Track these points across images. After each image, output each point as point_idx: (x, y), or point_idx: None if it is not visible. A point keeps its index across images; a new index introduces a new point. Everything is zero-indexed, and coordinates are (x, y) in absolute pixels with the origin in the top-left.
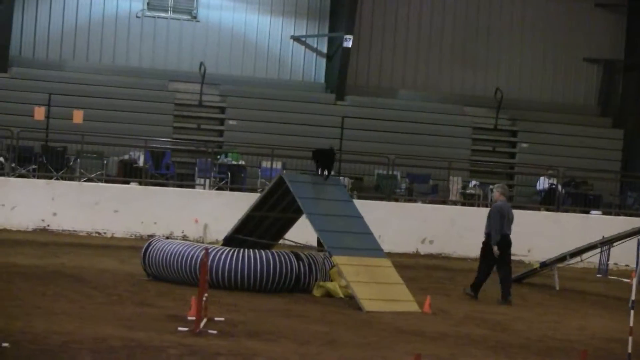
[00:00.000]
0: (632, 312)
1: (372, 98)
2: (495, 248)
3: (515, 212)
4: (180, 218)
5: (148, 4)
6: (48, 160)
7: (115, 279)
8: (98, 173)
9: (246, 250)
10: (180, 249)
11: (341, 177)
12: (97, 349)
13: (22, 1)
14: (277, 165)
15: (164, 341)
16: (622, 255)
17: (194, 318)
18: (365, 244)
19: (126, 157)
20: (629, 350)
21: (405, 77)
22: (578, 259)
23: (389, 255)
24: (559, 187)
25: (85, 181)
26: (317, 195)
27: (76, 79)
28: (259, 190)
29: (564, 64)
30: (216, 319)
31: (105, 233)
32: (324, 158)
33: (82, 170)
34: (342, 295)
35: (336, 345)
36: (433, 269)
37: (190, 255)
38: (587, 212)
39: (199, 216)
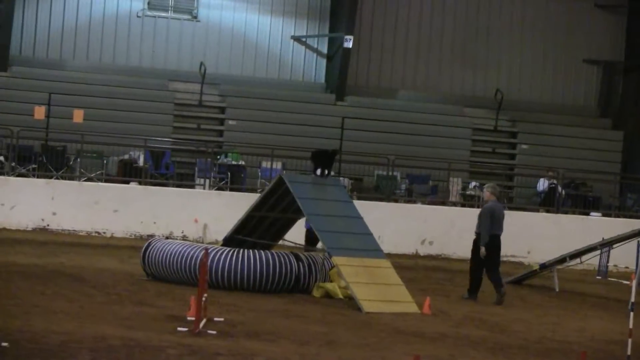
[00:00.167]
0: (631, 314)
1: (372, 99)
2: (482, 249)
3: (515, 213)
4: (180, 218)
5: (148, 3)
6: (48, 159)
7: (115, 279)
8: (98, 173)
9: (246, 250)
10: (180, 249)
11: (341, 178)
12: (96, 348)
13: (23, 0)
14: (277, 165)
15: (163, 341)
16: (621, 257)
17: (193, 318)
18: (364, 244)
19: (126, 156)
20: (629, 352)
21: (405, 78)
22: (578, 260)
23: (389, 256)
24: (559, 188)
25: (85, 181)
26: (317, 196)
27: (76, 78)
28: (258, 190)
29: (564, 65)
30: (215, 319)
31: (104, 233)
32: (323, 158)
33: (82, 170)
34: (341, 296)
35: (335, 345)
36: (432, 270)
37: (189, 255)
38: (587, 214)
39: (198, 216)
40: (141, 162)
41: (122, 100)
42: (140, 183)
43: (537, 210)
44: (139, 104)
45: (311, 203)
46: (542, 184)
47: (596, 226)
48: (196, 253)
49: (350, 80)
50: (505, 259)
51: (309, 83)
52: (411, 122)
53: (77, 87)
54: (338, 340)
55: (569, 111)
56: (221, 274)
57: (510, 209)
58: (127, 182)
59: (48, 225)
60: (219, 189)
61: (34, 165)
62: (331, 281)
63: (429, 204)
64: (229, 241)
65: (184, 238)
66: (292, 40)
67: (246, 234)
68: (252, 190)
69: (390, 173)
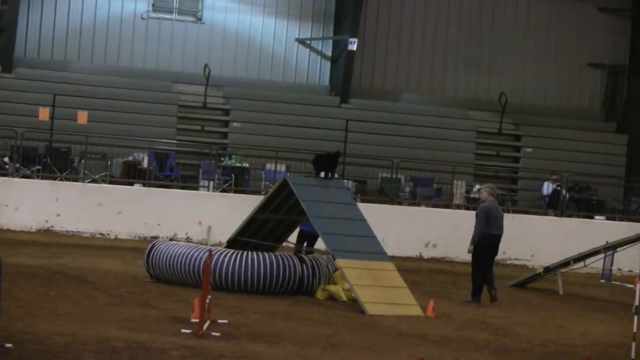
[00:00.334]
0: (635, 317)
1: (376, 101)
2: (470, 247)
3: (519, 216)
4: (183, 220)
5: (153, 5)
6: (52, 161)
7: (119, 280)
8: (102, 174)
9: (249, 252)
10: (184, 250)
11: (345, 180)
12: (100, 350)
13: (27, 2)
14: (281, 167)
15: (167, 343)
16: (625, 261)
17: (196, 320)
18: (368, 247)
19: (130, 158)
20: (632, 355)
21: (409, 81)
22: (582, 264)
23: (393, 258)
24: (564, 191)
25: (89, 182)
26: (321, 198)
27: (81, 80)
28: (262, 192)
29: (568, 69)
30: (219, 321)
31: (108, 234)
32: (325, 162)
33: (86, 171)
34: (345, 299)
35: (339, 348)
36: (436, 272)
37: (193, 257)
38: (591, 217)
39: (202, 218)
40: (145, 163)
41: (127, 102)
42: (144, 185)
43: (542, 214)
44: (143, 106)
45: (315, 205)
46: (547, 188)
47: (600, 229)
48: (200, 255)
49: (354, 82)
50: (509, 261)
51: (313, 85)
52: (415, 125)
53: (82, 89)
54: (341, 343)
55: (573, 114)
56: (225, 276)
57: (514, 212)
58: (131, 184)
59: (52, 226)
60: (223, 190)
61: (38, 167)
62: (335, 283)
63: (432, 206)
64: (232, 243)
65: (188, 240)
66: (296, 43)
67: (250, 236)
68: (256, 192)
69: (394, 176)
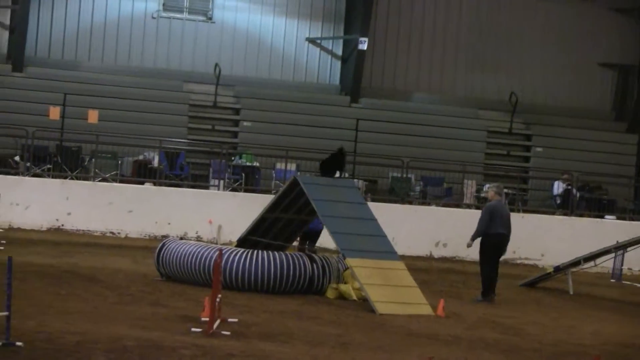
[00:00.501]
0: None
1: (387, 101)
2: (470, 242)
3: (529, 216)
4: (194, 219)
5: (163, 4)
6: (63, 160)
7: (129, 279)
8: (112, 173)
9: (260, 251)
10: (194, 249)
11: (355, 180)
12: (111, 348)
13: (38, 1)
14: (291, 167)
15: (177, 341)
16: (636, 260)
17: (207, 319)
18: (379, 246)
19: (140, 157)
20: None
21: (420, 80)
22: (592, 263)
23: (403, 258)
24: (574, 191)
25: (99, 181)
26: (331, 198)
27: (91, 79)
28: (273, 191)
29: (579, 68)
30: (229, 320)
31: (119, 233)
32: (332, 163)
33: (96, 170)
34: (355, 298)
35: (349, 347)
36: (446, 272)
37: (203, 256)
38: (601, 217)
39: (212, 217)
40: (156, 162)
41: (137, 101)
42: (154, 184)
43: (552, 213)
44: (153, 105)
45: (325, 204)
46: (557, 187)
47: (610, 229)
48: (210, 254)
49: (364, 82)
50: (519, 261)
51: (324, 85)
52: (426, 125)
53: (92, 88)
54: (351, 342)
55: (583, 114)
56: (235, 275)
57: (525, 211)
58: (142, 183)
59: (62, 225)
60: (233, 190)
61: (48, 166)
62: (345, 282)
63: (443, 206)
64: (243, 242)
65: (198, 239)
66: (306, 42)
67: (260, 235)
68: (266, 191)
69: (404, 175)
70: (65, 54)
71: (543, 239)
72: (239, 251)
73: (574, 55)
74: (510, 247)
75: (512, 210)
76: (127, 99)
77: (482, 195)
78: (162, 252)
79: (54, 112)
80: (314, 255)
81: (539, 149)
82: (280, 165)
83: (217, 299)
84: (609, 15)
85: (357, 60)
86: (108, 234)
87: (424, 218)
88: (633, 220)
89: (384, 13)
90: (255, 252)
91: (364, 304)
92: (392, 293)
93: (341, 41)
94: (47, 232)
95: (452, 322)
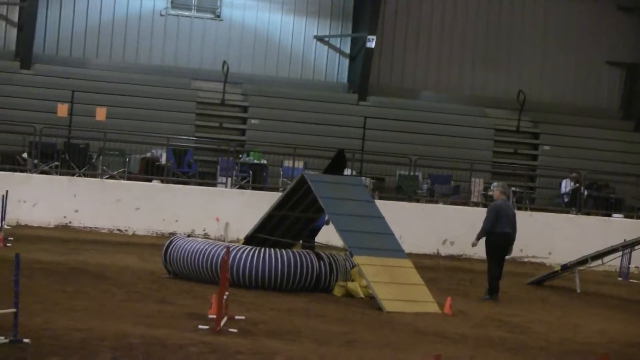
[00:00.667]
0: None
1: (395, 99)
2: (475, 241)
3: (537, 214)
4: (201, 216)
5: (172, 2)
6: (70, 157)
7: (136, 277)
8: (120, 170)
9: (267, 249)
10: (201, 247)
11: (363, 178)
12: (117, 345)
13: None
14: (299, 164)
15: (184, 339)
16: None
17: (214, 316)
18: (386, 244)
19: (148, 154)
20: None
21: (427, 79)
22: (599, 261)
23: (410, 256)
24: (582, 189)
25: (107, 178)
26: (339, 195)
27: (99, 76)
28: (280, 189)
29: (586, 67)
30: (236, 317)
31: (126, 230)
32: (335, 167)
33: (104, 168)
34: (362, 295)
35: (356, 345)
36: (454, 270)
37: (211, 254)
38: (609, 215)
39: (220, 215)
40: (163, 160)
41: (145, 99)
42: (162, 181)
43: (559, 211)
44: (161, 103)
45: (333, 202)
46: (565, 185)
47: (618, 228)
48: (217, 251)
49: (372, 80)
50: (526, 259)
51: (332, 83)
52: (433, 123)
53: (100, 85)
54: (358, 340)
55: (591, 113)
56: (242, 273)
57: (532, 209)
58: (149, 180)
59: (70, 222)
60: (241, 187)
61: (56, 163)
62: (352, 280)
63: (450, 204)
64: (250, 240)
65: (206, 236)
66: (314, 40)
67: (267, 232)
68: (274, 189)
69: (412, 173)
70: (73, 52)
71: (550, 237)
72: (246, 249)
73: (581, 53)
74: (517, 245)
75: (520, 209)
76: (135, 97)
77: (489, 193)
78: (169, 250)
79: (62, 110)
80: (320, 252)
81: (546, 147)
82: (287, 163)
83: (225, 297)
84: (616, 13)
85: (364, 58)
86: (115, 231)
87: (431, 216)
88: None
89: (392, 11)
90: (263, 249)
91: (371, 301)
92: (399, 291)
93: (349, 39)
94: (55, 229)
95: (459, 320)
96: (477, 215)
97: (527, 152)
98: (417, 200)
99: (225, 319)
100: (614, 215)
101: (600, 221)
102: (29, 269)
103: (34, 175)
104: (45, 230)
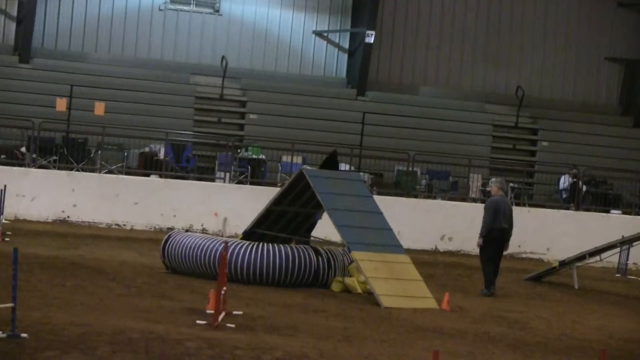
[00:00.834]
0: None
1: (393, 94)
2: (480, 240)
3: (535, 210)
4: (200, 211)
5: None
6: (69, 151)
7: (134, 271)
8: (118, 165)
9: (265, 244)
10: (200, 242)
11: (361, 173)
12: (115, 340)
13: None
14: (298, 160)
15: (182, 334)
16: None
17: (212, 311)
18: (384, 240)
19: (147, 149)
20: None
21: (426, 74)
22: (597, 258)
23: (408, 251)
24: (580, 184)
25: (105, 173)
26: (337, 191)
27: (98, 71)
28: (279, 184)
29: (585, 63)
30: (234, 312)
31: (124, 225)
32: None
33: (102, 162)
34: (360, 291)
35: (354, 340)
36: (452, 266)
37: (209, 249)
38: (607, 212)
39: (218, 210)
40: (162, 155)
41: (144, 93)
42: (160, 176)
43: (558, 208)
44: (160, 97)
45: (331, 198)
46: (564, 181)
47: (616, 224)
48: (216, 246)
49: (371, 75)
50: (524, 255)
51: (330, 78)
52: (432, 118)
53: (99, 80)
54: (357, 335)
55: (590, 109)
56: (240, 268)
57: (530, 205)
58: (148, 175)
59: (68, 217)
60: (239, 182)
61: (55, 157)
62: (350, 276)
63: (449, 200)
64: (248, 235)
65: (204, 231)
66: (313, 35)
67: (266, 228)
68: (272, 184)
69: (410, 169)
70: (72, 46)
71: (549, 233)
72: (244, 244)
73: (580, 49)
74: (515, 241)
75: (518, 205)
76: (134, 91)
77: (488, 189)
78: (167, 245)
79: (61, 104)
80: (319, 248)
81: (545, 143)
82: (286, 158)
83: (223, 292)
84: (616, 9)
85: (364, 54)
86: (114, 226)
87: (429, 212)
88: (639, 215)
89: (391, 6)
90: (261, 245)
91: (369, 297)
92: (397, 286)
93: (348, 34)
94: (53, 223)
95: (457, 316)
96: (475, 211)
97: (526, 148)
98: (416, 196)
99: (223, 314)
100: (613, 211)
101: (598, 217)
102: (27, 263)
103: (33, 169)
104: (43, 224)
